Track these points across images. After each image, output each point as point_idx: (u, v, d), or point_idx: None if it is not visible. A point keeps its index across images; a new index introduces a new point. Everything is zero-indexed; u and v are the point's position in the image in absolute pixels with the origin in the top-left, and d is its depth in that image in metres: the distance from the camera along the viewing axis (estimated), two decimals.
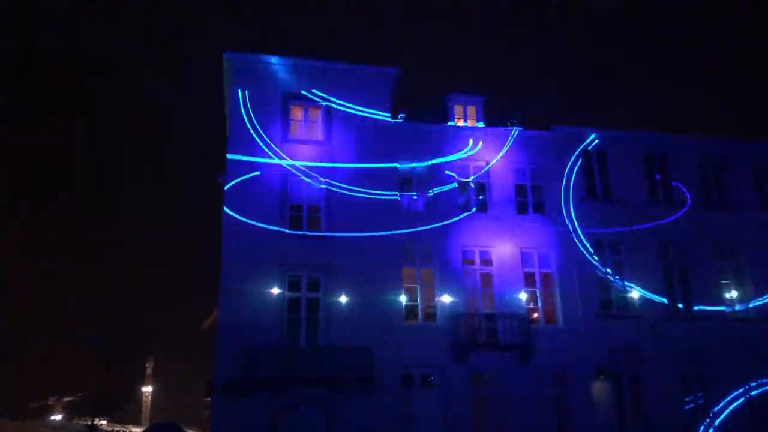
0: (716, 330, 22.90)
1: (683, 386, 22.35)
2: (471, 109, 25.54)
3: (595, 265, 23.20)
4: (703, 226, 24.33)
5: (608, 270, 23.23)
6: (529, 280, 23.10)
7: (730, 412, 22.22)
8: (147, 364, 70.44)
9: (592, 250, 23.28)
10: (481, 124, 25.18)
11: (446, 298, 21.74)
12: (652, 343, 22.28)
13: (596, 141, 24.85)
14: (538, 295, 23.07)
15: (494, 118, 26.59)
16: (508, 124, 24.79)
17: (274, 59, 23.57)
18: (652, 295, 23.10)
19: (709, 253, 24.18)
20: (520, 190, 24.13)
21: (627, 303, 23.01)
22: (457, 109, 25.55)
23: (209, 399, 22.80)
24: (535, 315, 23.03)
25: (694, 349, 22.57)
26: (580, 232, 23.38)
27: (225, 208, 21.62)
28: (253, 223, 21.31)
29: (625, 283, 23.07)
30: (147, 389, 70.87)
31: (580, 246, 23.28)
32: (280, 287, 20.82)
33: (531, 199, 24.05)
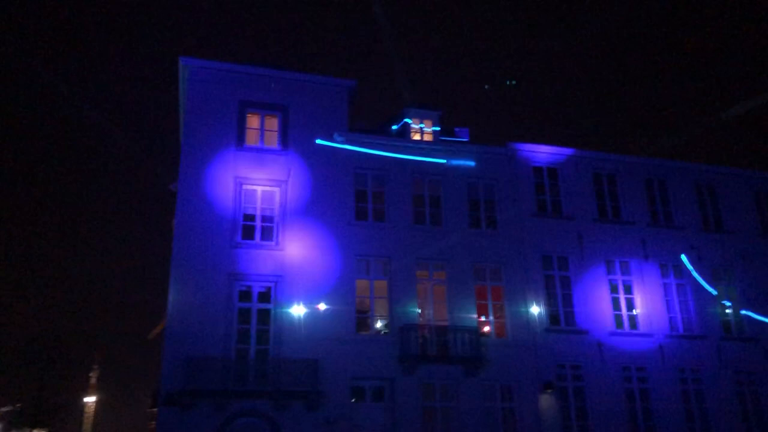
0: (657, 345, 23.68)
1: (626, 400, 22.87)
2: (427, 123, 25.83)
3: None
4: (648, 244, 25.08)
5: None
6: (480, 294, 23.36)
7: (670, 425, 22.81)
8: (91, 374, 68.39)
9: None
10: (436, 137, 25.46)
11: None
12: (598, 358, 22.83)
13: (548, 159, 25.43)
14: (489, 308, 23.35)
15: (450, 133, 26.96)
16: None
17: (230, 66, 23.38)
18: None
19: (655, 270, 24.89)
20: (473, 204, 24.44)
21: (574, 318, 23.49)
22: (414, 123, 25.81)
23: (155, 410, 22.34)
24: (486, 328, 23.29)
25: (638, 364, 23.28)
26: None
27: (176, 216, 21.31)
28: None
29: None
30: (90, 399, 68.70)
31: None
32: (230, 297, 20.56)
33: (484, 213, 24.38)
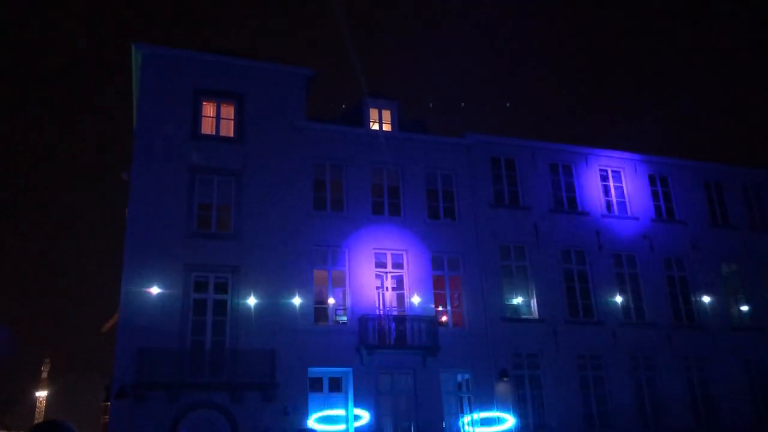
0: (610, 334, 24.14)
1: (581, 387, 23.30)
2: (386, 113, 25.74)
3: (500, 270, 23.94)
4: (602, 234, 25.54)
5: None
6: (438, 284, 23.48)
7: (623, 412, 23.32)
8: (42, 368, 66.85)
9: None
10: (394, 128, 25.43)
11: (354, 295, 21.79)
12: (554, 347, 23.19)
13: (505, 149, 25.64)
14: (447, 298, 23.48)
15: (409, 123, 26.93)
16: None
17: (184, 53, 22.91)
18: None
19: (609, 260, 25.34)
20: (431, 195, 24.50)
21: (530, 308, 23.80)
22: (373, 113, 25.70)
23: (108, 404, 21.89)
24: (444, 318, 23.43)
25: (592, 353, 23.70)
26: None
27: (129, 206, 20.85)
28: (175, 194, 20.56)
29: None
30: (42, 394, 67.15)
31: None
32: (185, 288, 20.20)
33: (442, 204, 24.48)
